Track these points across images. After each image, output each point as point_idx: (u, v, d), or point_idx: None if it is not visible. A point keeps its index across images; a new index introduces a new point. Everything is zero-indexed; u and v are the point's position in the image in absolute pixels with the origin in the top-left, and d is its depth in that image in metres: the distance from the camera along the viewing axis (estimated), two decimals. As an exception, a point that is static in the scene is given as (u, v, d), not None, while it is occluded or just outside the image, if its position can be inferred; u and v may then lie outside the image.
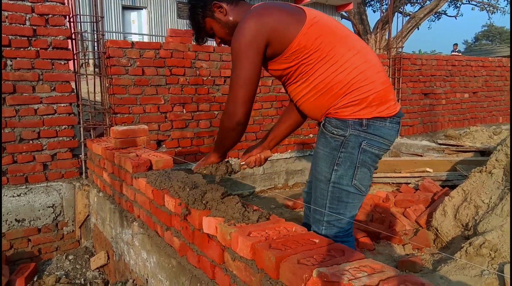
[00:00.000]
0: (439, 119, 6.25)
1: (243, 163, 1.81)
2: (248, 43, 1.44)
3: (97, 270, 3.06)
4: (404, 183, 3.94)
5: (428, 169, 4.19)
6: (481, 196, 2.49)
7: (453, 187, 3.16)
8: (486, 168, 2.64)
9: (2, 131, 3.00)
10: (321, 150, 1.56)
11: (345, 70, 1.48)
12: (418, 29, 14.83)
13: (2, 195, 3.03)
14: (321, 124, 1.57)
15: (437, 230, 2.62)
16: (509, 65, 7.11)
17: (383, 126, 1.52)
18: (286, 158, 4.64)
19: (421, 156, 4.94)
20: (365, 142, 1.50)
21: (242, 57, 1.44)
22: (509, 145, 2.55)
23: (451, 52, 17.52)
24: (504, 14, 14.40)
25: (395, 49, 5.91)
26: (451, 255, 2.15)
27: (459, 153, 4.83)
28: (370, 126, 1.49)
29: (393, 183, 4.12)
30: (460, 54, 17.13)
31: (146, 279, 2.23)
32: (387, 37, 13.57)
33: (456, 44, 17.48)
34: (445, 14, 18.47)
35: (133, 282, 2.42)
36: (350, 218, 1.58)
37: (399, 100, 5.59)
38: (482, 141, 5.54)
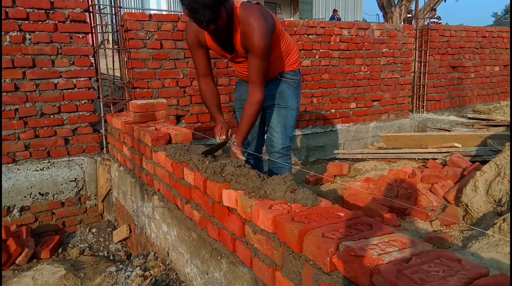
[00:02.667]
0: (467, 93, 5.98)
1: (228, 141, 2.13)
2: (269, 44, 2.03)
3: (120, 243, 3.09)
4: (431, 158, 3.79)
5: (456, 144, 4.01)
6: (516, 171, 2.35)
7: (483, 162, 3.01)
8: (521, 141, 2.48)
9: (24, 105, 3.01)
10: (288, 90, 2.37)
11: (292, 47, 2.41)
12: (444, 1, 14.06)
13: (26, 169, 3.07)
14: (280, 76, 2.36)
15: (467, 206, 2.51)
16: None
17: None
18: (307, 133, 4.54)
19: (449, 131, 4.75)
20: (301, 82, 2.49)
21: (266, 55, 2.01)
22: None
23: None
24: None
25: (422, 20, 5.63)
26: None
27: (490, 127, 4.62)
28: (300, 73, 2.48)
29: (419, 158, 3.97)
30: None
31: (167, 252, 2.23)
32: (413, 9, 12.96)
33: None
34: (474, -16, 17.33)
35: (154, 254, 2.42)
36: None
37: (426, 73, 5.37)
38: (513, 115, 5.28)
